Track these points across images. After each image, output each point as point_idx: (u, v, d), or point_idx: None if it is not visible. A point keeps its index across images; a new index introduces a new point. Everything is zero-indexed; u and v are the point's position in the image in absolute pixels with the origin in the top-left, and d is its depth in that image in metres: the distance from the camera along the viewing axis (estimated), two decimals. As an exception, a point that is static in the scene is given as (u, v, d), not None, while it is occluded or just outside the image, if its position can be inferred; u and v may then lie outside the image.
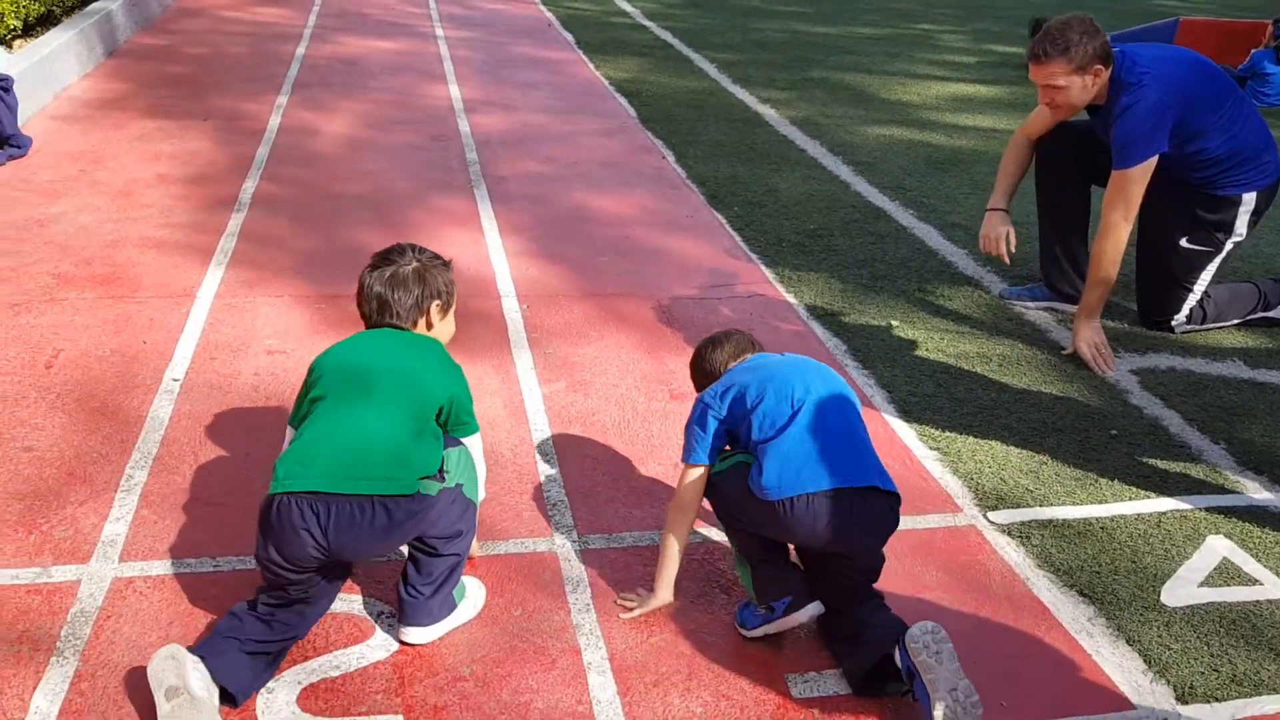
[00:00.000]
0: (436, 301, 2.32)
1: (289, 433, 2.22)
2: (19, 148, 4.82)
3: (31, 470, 2.65)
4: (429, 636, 2.15)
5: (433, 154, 5.38)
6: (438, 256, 2.38)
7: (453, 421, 2.21)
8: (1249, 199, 3.51)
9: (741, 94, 6.84)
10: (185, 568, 2.34)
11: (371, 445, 2.04)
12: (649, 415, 3.06)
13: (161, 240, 4.08)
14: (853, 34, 9.17)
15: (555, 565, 2.42)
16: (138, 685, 2.00)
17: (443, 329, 2.37)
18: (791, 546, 2.26)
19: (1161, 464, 2.93)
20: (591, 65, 7.46)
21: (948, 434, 3.04)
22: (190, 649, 1.95)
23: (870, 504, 2.11)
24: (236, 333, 3.40)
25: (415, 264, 2.31)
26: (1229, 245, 3.59)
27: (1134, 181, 3.35)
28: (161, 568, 2.34)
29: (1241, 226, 3.56)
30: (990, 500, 2.74)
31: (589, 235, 4.41)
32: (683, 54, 7.99)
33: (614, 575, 2.39)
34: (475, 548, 2.39)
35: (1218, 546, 2.58)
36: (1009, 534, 2.60)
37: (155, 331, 3.38)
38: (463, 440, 2.24)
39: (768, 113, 6.41)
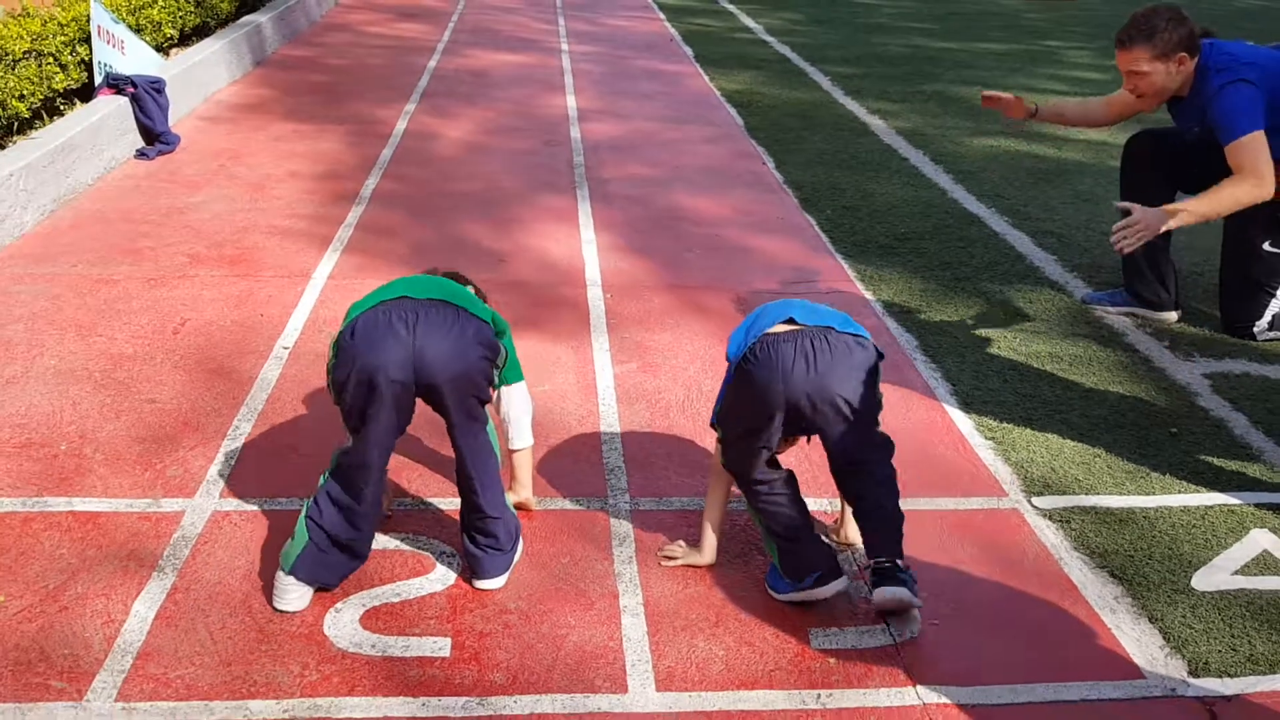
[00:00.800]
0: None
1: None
2: (169, 144, 5.29)
3: (153, 418, 2.97)
4: (502, 583, 2.37)
5: (543, 158, 5.65)
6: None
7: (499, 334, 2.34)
8: None
9: (852, 105, 6.93)
10: (275, 505, 2.61)
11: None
12: (713, 396, 3.19)
13: (286, 228, 4.44)
14: (976, 49, 9.14)
15: (605, 522, 2.60)
16: (225, 599, 2.26)
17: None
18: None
19: (1218, 462, 2.95)
20: (707, 78, 7.66)
21: (1005, 425, 3.10)
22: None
23: (834, 338, 2.21)
24: (343, 310, 3.69)
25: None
26: None
27: (1246, 149, 3.27)
28: (255, 505, 2.61)
29: None
30: (1037, 487, 2.80)
31: (680, 233, 4.60)
32: (799, 67, 8.12)
33: (659, 534, 2.56)
34: (532, 501, 2.60)
35: (1261, 540, 2.59)
36: (1050, 518, 2.67)
37: (272, 306, 3.70)
38: (508, 385, 2.45)
39: (875, 123, 6.49)
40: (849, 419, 2.22)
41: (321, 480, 2.30)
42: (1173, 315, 3.79)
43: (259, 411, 3.04)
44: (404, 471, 2.78)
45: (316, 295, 3.81)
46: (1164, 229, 3.29)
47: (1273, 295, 3.61)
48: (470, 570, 2.37)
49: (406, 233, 4.49)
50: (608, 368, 3.38)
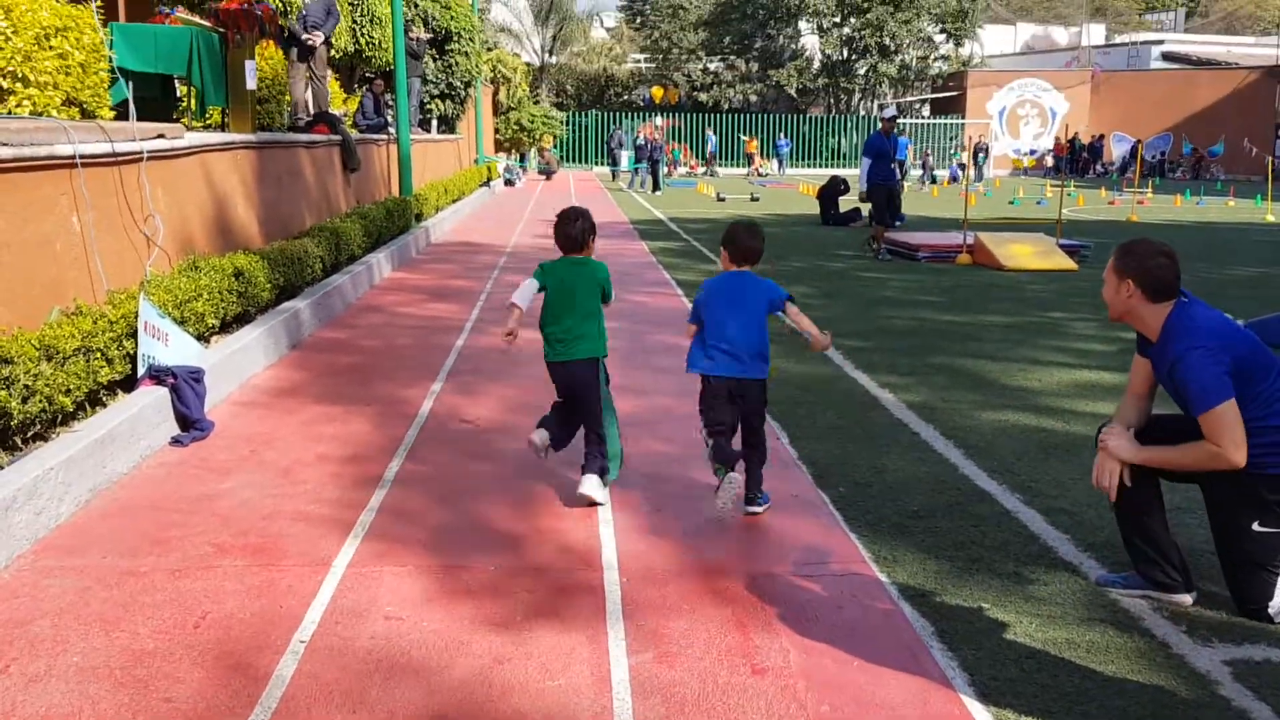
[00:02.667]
0: (592, 236, 4.81)
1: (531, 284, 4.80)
2: (203, 431, 5.52)
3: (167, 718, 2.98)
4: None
5: (563, 436, 5.82)
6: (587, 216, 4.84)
7: (607, 291, 4.81)
8: None
9: (863, 379, 7.16)
10: (282, 815, 2.57)
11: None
12: (728, 689, 3.21)
13: (310, 514, 4.56)
14: (981, 321, 9.50)
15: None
16: None
17: (593, 249, 4.85)
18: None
19: (1246, 758, 2.87)
20: (722, 353, 7.94)
21: (1025, 719, 3.06)
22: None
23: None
24: (361, 600, 3.76)
25: (582, 220, 4.78)
26: None
27: (1219, 421, 3.47)
28: (262, 814, 2.58)
29: None
30: (1060, 788, 2.73)
31: (696, 512, 4.68)
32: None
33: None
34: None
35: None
36: (1075, 823, 2.59)
37: (291, 597, 3.76)
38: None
39: (885, 397, 6.69)
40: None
41: None
42: (1188, 598, 3.78)
43: (273, 710, 3.04)
44: None
45: (335, 585, 3.87)
46: (1127, 459, 3.62)
47: (1277, 574, 3.61)
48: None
49: (426, 517, 4.60)
50: (623, 659, 3.38)
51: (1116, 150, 47.53)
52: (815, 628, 3.62)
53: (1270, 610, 3.63)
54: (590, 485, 4.64)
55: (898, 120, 14.38)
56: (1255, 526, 3.60)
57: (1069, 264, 13.39)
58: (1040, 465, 5.38)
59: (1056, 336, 8.88)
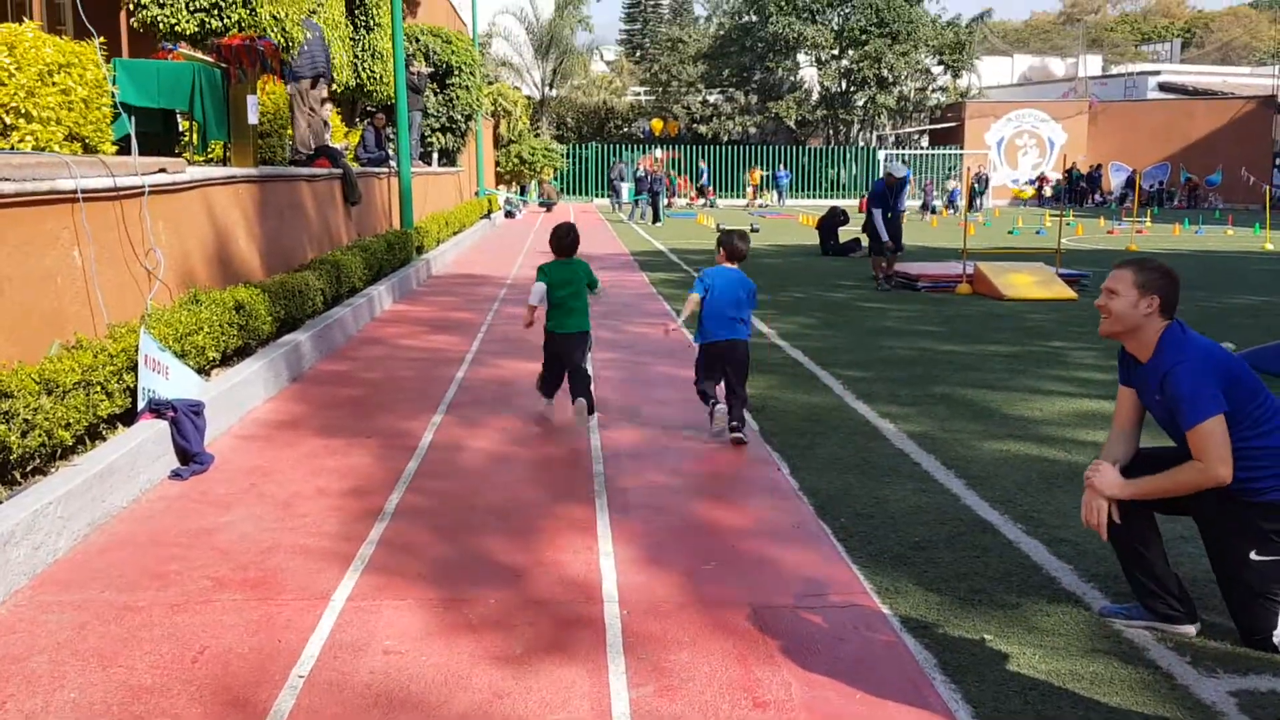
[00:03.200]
0: (578, 243, 6.67)
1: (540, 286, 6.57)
2: (202, 464, 5.51)
3: (164, 756, 2.95)
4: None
5: (565, 467, 5.82)
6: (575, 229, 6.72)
7: (592, 281, 6.63)
8: None
9: (863, 409, 7.16)
10: None
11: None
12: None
13: (309, 547, 4.55)
14: (980, 351, 9.50)
15: None
16: None
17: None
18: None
19: (1254, 791, 2.84)
20: (723, 383, 7.95)
21: (1029, 752, 3.03)
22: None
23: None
24: (360, 634, 3.73)
25: (572, 233, 6.66)
26: None
27: (1207, 435, 3.50)
28: None
29: None
30: (1066, 822, 2.70)
31: (697, 543, 4.67)
32: (811, 371, 8.45)
33: None
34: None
35: None
36: None
37: (290, 631, 3.74)
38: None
39: (886, 427, 6.68)
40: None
41: None
42: (1191, 629, 3.76)
43: (270, 746, 3.02)
44: None
45: (334, 619, 3.85)
46: (1114, 495, 3.65)
47: (1277, 602, 3.59)
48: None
49: (427, 550, 4.58)
50: (624, 692, 3.35)
51: (1114, 180, 47.77)
52: (817, 660, 3.60)
53: (1275, 639, 3.60)
54: (581, 404, 6.43)
55: (897, 178, 14.62)
56: (1253, 555, 3.59)
57: (1069, 293, 13.41)
58: (1042, 495, 5.36)
59: (1057, 365, 8.87)
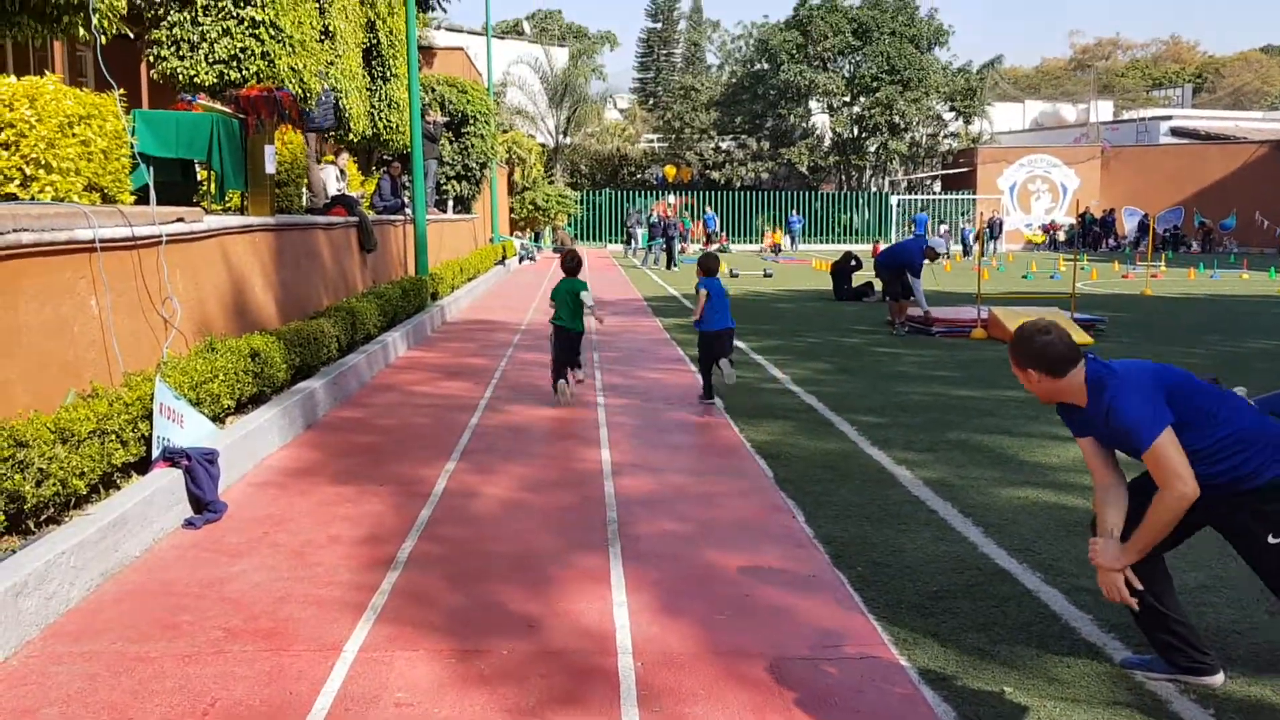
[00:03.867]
0: (581, 267, 9.21)
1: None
2: (216, 512, 5.50)
3: (172, 811, 2.92)
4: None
5: (578, 514, 5.79)
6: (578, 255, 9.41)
7: (583, 290, 9.01)
8: None
9: (879, 455, 7.11)
10: None
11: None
12: (745, 778, 3.13)
13: (322, 597, 4.52)
14: (997, 397, 9.45)
15: None
16: None
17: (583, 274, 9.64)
18: None
19: None
20: (737, 428, 7.94)
21: (1052, 808, 2.97)
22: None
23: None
24: (371, 685, 3.70)
25: (575, 259, 9.36)
26: None
27: (1161, 454, 3.46)
28: None
29: None
30: None
31: (712, 593, 4.62)
32: (826, 418, 8.41)
33: None
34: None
35: None
36: None
37: (301, 683, 3.71)
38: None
39: (902, 474, 6.63)
40: None
41: None
42: (1216, 679, 3.69)
43: (280, 801, 2.98)
44: None
45: (346, 670, 3.82)
46: (1120, 566, 3.56)
47: None
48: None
49: (440, 599, 4.55)
50: (637, 747, 3.30)
51: (1128, 224, 47.77)
52: (835, 713, 3.54)
53: None
54: (579, 373, 9.75)
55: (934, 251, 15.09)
56: (1271, 539, 3.53)
57: (1085, 338, 13.33)
58: (1061, 543, 5.30)
59: (1074, 411, 8.80)
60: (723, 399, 9.05)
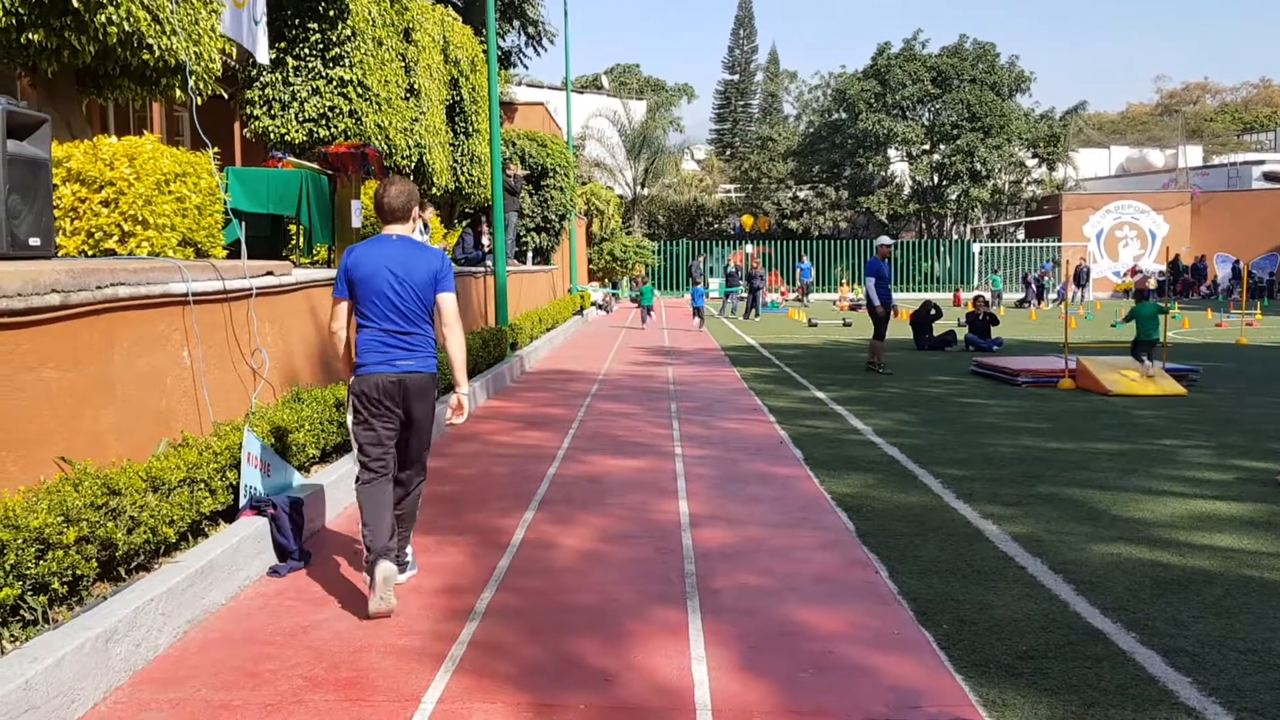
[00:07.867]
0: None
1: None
2: (300, 561, 5.57)
3: None
4: None
5: (656, 566, 5.74)
6: None
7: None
8: None
9: (964, 509, 6.95)
10: None
11: None
12: (829, 843, 3.03)
13: (401, 647, 4.54)
14: (1088, 449, 9.19)
15: None
16: None
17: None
18: None
19: None
20: (816, 480, 7.83)
21: None
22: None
23: None
24: (450, 738, 3.68)
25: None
26: None
27: None
28: None
29: None
30: None
31: (793, 650, 4.53)
32: (909, 470, 8.26)
33: None
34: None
35: None
36: None
37: (380, 734, 3.71)
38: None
39: (989, 528, 6.46)
40: None
41: None
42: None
43: None
44: None
45: (425, 722, 3.82)
46: None
47: None
48: None
49: (517, 651, 4.53)
50: (716, 808, 3.23)
51: (1220, 271, 46.48)
52: (921, 777, 3.43)
53: None
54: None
55: (890, 247, 15.49)
56: None
57: (1177, 389, 12.95)
58: (1157, 602, 5.10)
59: (1168, 464, 8.52)
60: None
